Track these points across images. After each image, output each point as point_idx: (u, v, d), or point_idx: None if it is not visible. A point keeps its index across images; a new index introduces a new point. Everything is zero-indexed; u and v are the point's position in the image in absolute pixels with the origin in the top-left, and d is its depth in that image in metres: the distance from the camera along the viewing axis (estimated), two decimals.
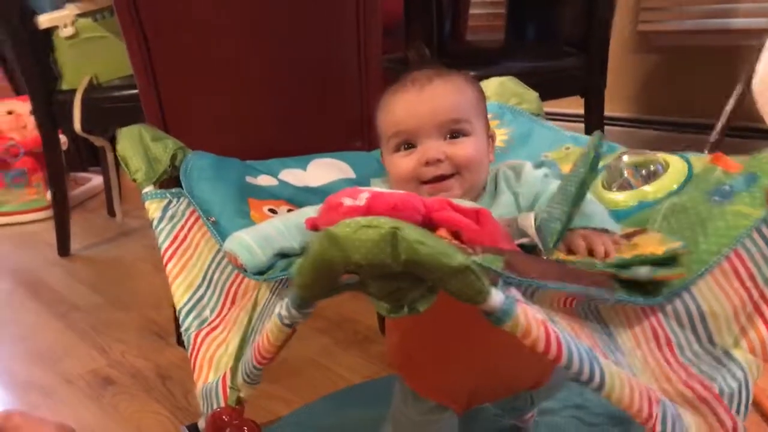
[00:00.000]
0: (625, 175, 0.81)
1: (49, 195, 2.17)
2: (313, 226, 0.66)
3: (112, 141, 1.93)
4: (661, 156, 0.82)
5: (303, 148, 0.98)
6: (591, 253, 0.63)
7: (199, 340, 0.75)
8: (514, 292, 0.50)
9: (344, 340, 1.42)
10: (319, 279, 0.47)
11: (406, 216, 0.56)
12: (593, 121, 1.88)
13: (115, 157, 2.01)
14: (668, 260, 0.61)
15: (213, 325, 0.76)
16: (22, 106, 2.54)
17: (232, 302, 0.77)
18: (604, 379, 0.50)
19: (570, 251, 0.64)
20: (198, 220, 0.81)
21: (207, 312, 0.77)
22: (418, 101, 0.75)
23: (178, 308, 0.77)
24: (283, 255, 0.68)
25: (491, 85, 1.07)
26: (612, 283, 0.58)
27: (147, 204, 0.84)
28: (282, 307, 0.55)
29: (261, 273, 0.66)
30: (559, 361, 0.48)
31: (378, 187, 0.71)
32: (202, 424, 0.76)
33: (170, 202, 0.84)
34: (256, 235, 0.68)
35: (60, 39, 1.88)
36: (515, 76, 1.11)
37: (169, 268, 0.80)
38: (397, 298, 0.48)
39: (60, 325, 1.62)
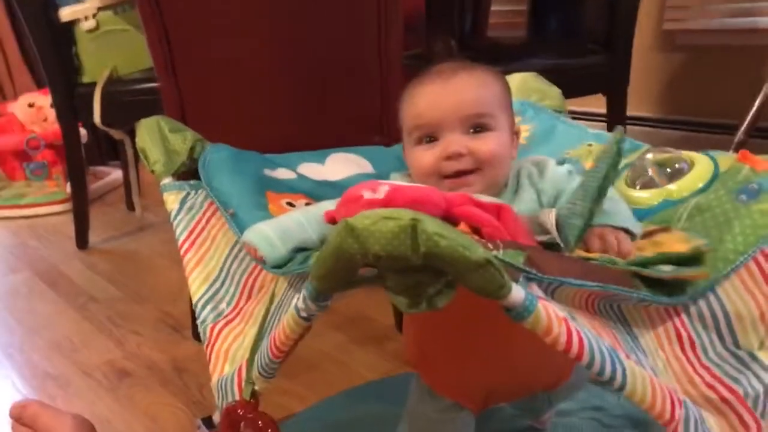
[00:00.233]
0: (650, 173, 0.79)
1: (68, 188, 2.19)
2: (332, 219, 0.65)
3: (132, 134, 1.94)
4: (686, 154, 0.80)
5: (321, 143, 0.97)
6: (606, 251, 0.62)
7: (215, 332, 0.74)
8: (536, 289, 0.49)
9: (360, 337, 1.42)
10: (337, 271, 0.46)
11: (426, 210, 0.55)
12: (616, 120, 1.86)
13: (135, 151, 2.03)
14: (692, 259, 0.60)
15: (229, 317, 0.75)
16: (44, 99, 2.57)
17: (249, 295, 0.77)
18: (626, 378, 0.49)
19: (587, 249, 0.63)
20: (216, 213, 0.81)
21: (223, 305, 0.77)
22: (442, 94, 0.74)
23: (194, 300, 0.77)
24: (302, 248, 0.67)
25: (513, 81, 1.06)
26: (635, 281, 0.56)
27: (165, 196, 0.84)
28: (299, 300, 0.55)
29: (279, 266, 0.65)
30: (581, 359, 0.47)
31: (398, 181, 0.71)
32: (217, 417, 0.76)
33: (188, 194, 0.84)
34: (276, 228, 0.67)
35: (81, 32, 1.89)
36: (538, 73, 1.10)
37: (186, 259, 0.79)
38: (416, 292, 0.47)
39: (77, 317, 1.63)
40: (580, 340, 0.47)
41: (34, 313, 1.68)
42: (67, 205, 2.38)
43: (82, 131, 2.18)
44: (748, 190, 0.66)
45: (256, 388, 0.64)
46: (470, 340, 0.71)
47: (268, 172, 0.87)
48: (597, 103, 1.91)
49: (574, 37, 2.02)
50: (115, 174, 2.78)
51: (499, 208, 0.61)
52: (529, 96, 1.05)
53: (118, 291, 1.77)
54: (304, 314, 0.55)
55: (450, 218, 0.59)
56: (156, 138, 0.86)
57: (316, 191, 0.86)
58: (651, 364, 0.56)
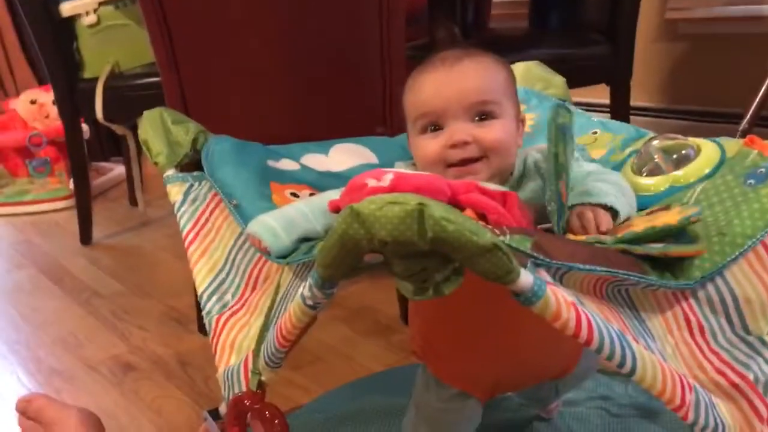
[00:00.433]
0: (656, 159, 0.79)
1: (71, 184, 2.19)
2: (336, 208, 0.65)
3: (134, 130, 1.94)
4: (693, 140, 0.80)
5: (324, 134, 0.97)
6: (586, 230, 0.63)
7: (220, 323, 0.74)
8: (544, 274, 0.49)
9: (365, 329, 1.41)
10: (342, 257, 0.46)
11: (431, 197, 0.55)
12: (619, 110, 1.85)
13: (137, 146, 2.03)
14: (685, 235, 0.59)
15: (234, 308, 0.75)
16: (45, 96, 2.57)
17: (254, 286, 0.76)
18: (636, 363, 0.48)
19: (572, 232, 0.64)
20: (220, 204, 0.81)
21: (228, 296, 0.76)
22: (446, 81, 0.73)
23: (199, 292, 0.77)
24: (306, 239, 0.67)
25: (517, 70, 1.05)
26: (643, 266, 0.56)
27: (168, 187, 0.83)
28: (305, 288, 0.54)
29: (284, 257, 0.65)
30: (590, 344, 0.47)
31: (402, 170, 0.70)
32: (223, 408, 0.75)
33: (192, 185, 0.83)
34: (280, 219, 0.67)
35: (82, 27, 1.88)
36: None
37: (190, 251, 0.79)
38: (423, 279, 0.46)
39: (82, 312, 1.63)
40: (590, 324, 0.46)
41: (39, 309, 1.68)
42: (70, 202, 2.38)
43: (84, 127, 2.18)
44: (755, 175, 0.66)
45: (263, 378, 0.64)
46: (477, 329, 0.71)
47: (271, 163, 0.87)
48: (600, 94, 1.90)
49: (577, 28, 2.01)
50: (118, 169, 2.78)
51: (504, 195, 0.60)
52: (533, 84, 1.05)
53: (122, 286, 1.77)
54: (310, 302, 0.55)
55: (455, 205, 0.58)
56: (159, 130, 0.85)
57: (319, 182, 0.85)
58: (660, 349, 0.56)
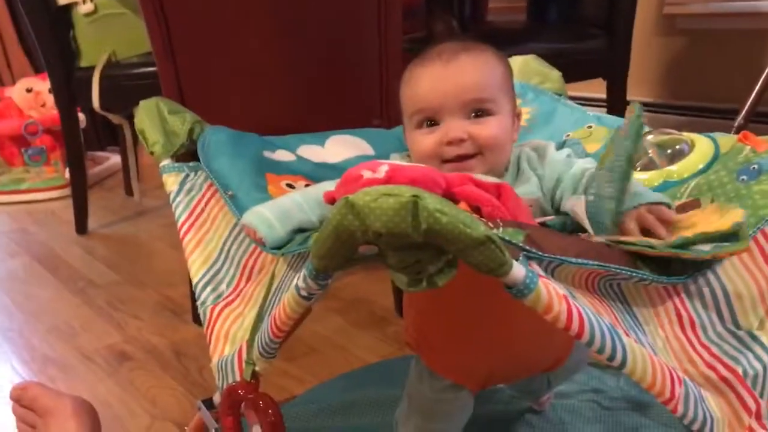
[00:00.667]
0: (650, 154, 0.79)
1: (67, 173, 2.18)
2: (331, 199, 0.65)
3: (130, 119, 1.94)
4: (687, 135, 0.80)
5: (321, 126, 0.97)
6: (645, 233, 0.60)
7: (215, 314, 0.74)
8: (536, 268, 0.49)
9: (360, 320, 1.42)
10: (337, 248, 0.46)
11: (426, 189, 0.55)
12: (615, 105, 1.86)
13: (134, 135, 2.03)
14: (733, 235, 0.58)
15: (229, 299, 0.75)
16: (42, 84, 2.56)
17: (249, 277, 0.76)
18: (626, 356, 0.49)
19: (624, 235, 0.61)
20: (215, 194, 0.81)
21: (223, 286, 0.77)
22: (442, 77, 0.73)
23: (194, 282, 0.77)
24: (301, 230, 0.67)
25: (515, 64, 1.05)
26: (635, 261, 0.56)
27: (164, 177, 0.83)
28: (299, 279, 0.54)
29: (279, 248, 0.65)
30: (581, 337, 0.47)
31: (398, 162, 0.70)
32: (217, 398, 0.76)
33: (188, 175, 0.83)
34: (276, 210, 0.67)
35: (79, 15, 1.88)
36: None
37: (185, 241, 0.79)
38: (417, 270, 0.47)
39: (77, 301, 1.63)
40: (581, 317, 0.47)
41: (34, 298, 1.68)
42: (66, 191, 2.38)
43: (81, 116, 2.18)
44: (748, 171, 0.66)
45: (257, 368, 0.64)
46: (470, 321, 0.71)
47: (267, 154, 0.87)
48: (597, 88, 1.91)
49: (575, 22, 2.01)
50: (114, 159, 2.78)
51: (499, 188, 0.60)
52: (530, 78, 1.05)
53: (117, 275, 1.77)
54: (304, 293, 0.55)
55: (450, 198, 0.58)
56: (155, 119, 0.85)
57: (315, 173, 0.86)
58: (650, 343, 0.56)
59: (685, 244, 0.56)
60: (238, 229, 0.77)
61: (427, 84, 0.74)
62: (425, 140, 0.74)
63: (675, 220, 0.61)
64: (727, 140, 0.75)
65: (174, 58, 1.16)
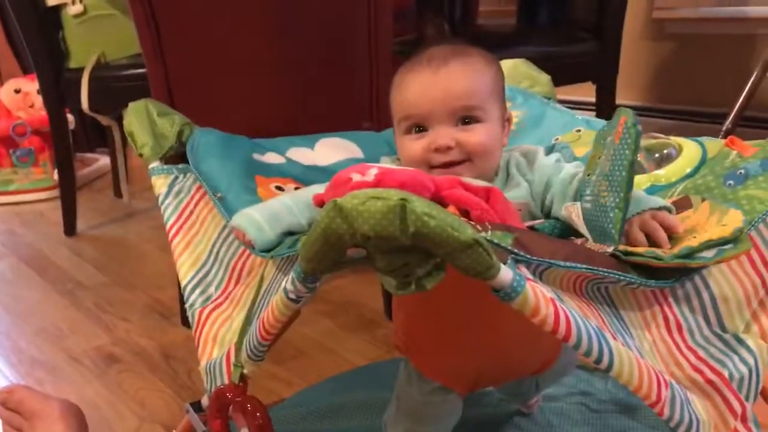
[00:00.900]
0: (638, 158, 0.80)
1: (56, 174, 2.17)
2: (321, 202, 0.65)
3: (120, 121, 1.93)
4: (675, 140, 0.81)
5: (311, 128, 0.97)
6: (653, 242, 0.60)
7: (203, 316, 0.74)
8: (524, 271, 0.50)
9: (349, 323, 1.42)
10: (325, 251, 0.46)
11: (415, 193, 0.55)
12: (604, 108, 1.87)
13: (123, 137, 2.02)
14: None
15: (218, 301, 0.75)
16: (30, 85, 2.54)
17: (238, 279, 0.76)
18: (613, 359, 0.49)
19: (631, 245, 0.60)
20: (204, 196, 0.81)
21: (212, 289, 0.77)
22: (431, 84, 0.73)
23: (183, 284, 0.77)
24: (290, 233, 0.67)
25: (504, 67, 1.04)
26: (623, 264, 0.57)
27: (153, 179, 0.83)
28: (288, 281, 0.54)
29: (268, 250, 0.65)
30: (568, 340, 0.47)
31: (387, 165, 0.71)
32: (205, 401, 0.75)
33: (177, 177, 0.83)
34: (265, 212, 0.67)
35: (68, 16, 1.87)
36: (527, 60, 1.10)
37: (174, 243, 0.79)
38: (405, 273, 0.47)
39: (65, 303, 1.62)
40: (568, 320, 0.47)
41: (21, 300, 1.67)
42: (54, 192, 2.37)
43: (70, 117, 2.16)
44: (735, 176, 0.67)
45: (245, 371, 0.64)
46: (459, 324, 0.72)
47: (257, 156, 0.87)
48: (586, 92, 1.92)
49: (564, 25, 2.02)
50: (103, 160, 2.76)
51: (488, 191, 0.61)
52: (519, 82, 1.05)
53: (105, 277, 1.76)
54: (292, 296, 0.55)
55: (439, 201, 0.58)
56: (144, 121, 0.85)
57: (305, 176, 0.86)
58: (637, 346, 0.56)
59: (691, 254, 0.55)
60: (227, 231, 0.77)
61: (416, 90, 0.74)
62: (413, 146, 0.74)
63: (677, 224, 0.61)
64: (714, 145, 0.76)
65: (163, 60, 1.16)
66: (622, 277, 0.55)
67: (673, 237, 0.60)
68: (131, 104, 0.87)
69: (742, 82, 1.79)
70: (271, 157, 0.88)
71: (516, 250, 0.49)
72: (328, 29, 1.18)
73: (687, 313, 0.60)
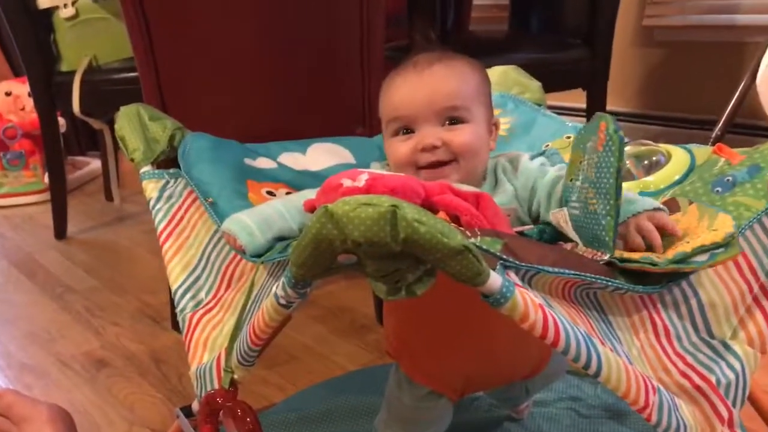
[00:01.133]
0: (627, 165, 0.80)
1: (46, 178, 2.16)
2: (312, 207, 0.66)
3: (111, 124, 1.92)
4: (664, 147, 0.81)
5: (303, 134, 0.97)
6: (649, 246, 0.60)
7: (194, 321, 0.74)
8: (513, 277, 0.50)
9: (340, 328, 1.42)
10: (316, 257, 0.46)
11: (405, 198, 0.56)
12: (594, 115, 1.87)
13: (114, 141, 2.01)
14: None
15: (208, 306, 0.75)
16: (21, 88, 2.53)
17: (228, 284, 0.76)
18: (601, 365, 0.50)
19: (628, 248, 0.61)
20: (195, 201, 0.81)
21: (203, 293, 0.77)
22: (416, 86, 0.74)
23: (173, 289, 0.77)
24: (282, 238, 0.67)
25: (494, 74, 1.06)
26: (611, 270, 0.57)
27: (144, 184, 0.83)
28: (278, 287, 0.55)
29: (259, 255, 0.65)
30: (557, 345, 0.48)
31: (378, 171, 0.71)
32: (196, 406, 0.75)
33: (168, 182, 0.83)
34: (256, 217, 0.67)
35: (60, 19, 1.86)
36: (518, 67, 1.10)
37: (165, 248, 0.79)
38: (395, 279, 0.47)
39: (55, 307, 1.61)
40: (556, 326, 0.47)
41: (11, 304, 1.66)
42: (45, 195, 2.35)
43: (61, 120, 2.15)
44: (723, 183, 0.67)
45: (235, 376, 0.64)
46: (448, 330, 0.72)
47: (248, 161, 0.87)
48: (577, 98, 1.93)
49: (555, 32, 2.04)
50: (94, 164, 2.75)
51: (477, 197, 0.61)
52: (509, 89, 1.06)
53: (96, 281, 1.75)
54: (283, 301, 0.55)
55: (429, 207, 0.59)
56: (135, 126, 0.85)
57: (296, 181, 0.86)
58: (626, 352, 0.57)
59: (685, 259, 0.56)
60: (218, 236, 0.77)
61: (402, 93, 0.75)
62: (401, 147, 0.75)
63: (674, 225, 0.61)
64: (702, 152, 0.77)
65: (155, 64, 1.16)
66: (610, 283, 0.55)
67: (665, 239, 0.60)
68: (123, 108, 0.87)
69: (732, 89, 1.80)
70: (263, 162, 0.88)
71: (505, 256, 0.50)
72: (320, 34, 1.18)
73: (675, 319, 0.61)
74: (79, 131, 2.86)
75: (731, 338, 0.61)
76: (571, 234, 0.62)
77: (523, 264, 0.51)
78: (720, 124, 1.78)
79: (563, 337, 0.48)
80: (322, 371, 1.24)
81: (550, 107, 1.06)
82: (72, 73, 1.84)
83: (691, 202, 0.66)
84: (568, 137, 0.92)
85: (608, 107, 1.93)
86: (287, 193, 0.81)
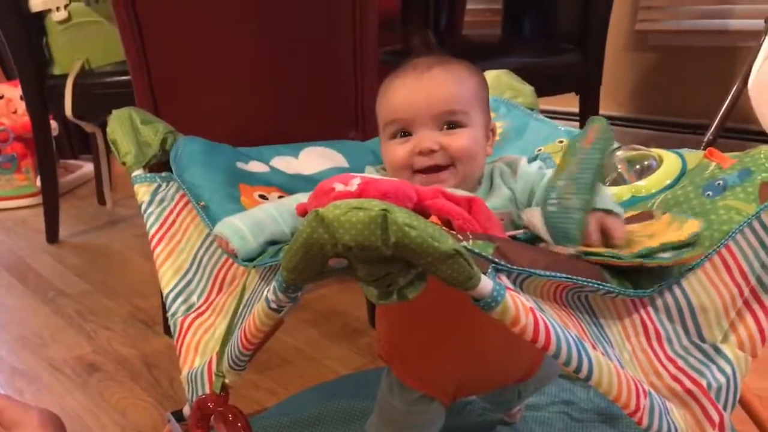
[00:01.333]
0: (619, 169, 0.81)
1: (38, 181, 2.15)
2: (304, 211, 0.65)
3: (103, 127, 1.92)
4: (655, 151, 0.82)
5: (296, 137, 0.97)
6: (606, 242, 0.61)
7: (185, 325, 0.74)
8: (504, 280, 0.50)
9: (333, 332, 1.42)
10: (307, 261, 0.46)
11: (398, 203, 0.56)
12: (588, 119, 1.88)
13: (106, 144, 2.01)
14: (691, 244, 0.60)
15: (200, 310, 0.75)
16: (13, 91, 2.52)
17: (220, 288, 0.76)
18: (592, 369, 0.50)
19: (586, 240, 0.62)
20: (187, 205, 0.81)
21: (194, 297, 0.76)
22: (415, 90, 0.74)
23: (165, 293, 0.77)
24: (274, 242, 0.67)
25: (487, 78, 1.06)
26: (602, 273, 0.57)
27: (136, 188, 0.83)
28: (270, 291, 0.54)
29: (251, 260, 0.65)
30: (548, 349, 0.48)
31: (371, 174, 0.71)
32: (187, 411, 0.75)
33: (160, 186, 0.83)
34: (248, 221, 0.67)
35: (52, 23, 1.86)
36: (511, 71, 1.10)
37: (156, 252, 0.79)
38: (387, 283, 0.47)
39: (47, 311, 1.60)
40: (547, 330, 0.47)
41: (2, 308, 1.65)
42: (37, 199, 2.35)
43: (53, 124, 2.15)
44: (714, 187, 0.68)
45: (227, 381, 0.64)
46: (440, 334, 0.72)
47: (241, 165, 0.87)
48: (570, 102, 1.93)
49: (548, 37, 2.04)
50: (87, 167, 2.74)
51: (470, 201, 0.61)
52: (502, 93, 1.06)
53: (88, 285, 1.75)
54: (274, 305, 0.55)
55: (421, 211, 0.59)
56: (127, 129, 0.85)
57: (289, 184, 0.86)
58: (617, 356, 0.57)
59: (650, 254, 0.57)
60: (210, 240, 0.77)
61: (400, 95, 0.75)
62: (398, 150, 0.75)
63: (622, 232, 0.62)
64: (694, 156, 0.77)
65: (148, 68, 1.16)
66: (601, 286, 0.55)
67: (633, 240, 0.61)
68: (115, 112, 0.87)
69: (724, 93, 1.81)
70: (255, 166, 0.88)
71: (496, 260, 0.50)
72: (313, 37, 1.18)
73: (666, 322, 0.61)
74: (71, 134, 2.85)
75: (722, 342, 0.62)
76: (542, 232, 0.63)
77: (515, 267, 0.51)
78: (712, 129, 1.79)
79: (554, 340, 0.48)
80: (314, 375, 1.24)
81: (543, 111, 1.06)
82: (64, 77, 1.83)
83: (665, 212, 0.66)
84: (561, 142, 0.92)
85: (601, 111, 1.94)
86: (280, 197, 0.81)
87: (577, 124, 1.90)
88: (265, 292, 0.56)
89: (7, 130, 2.50)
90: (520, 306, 0.47)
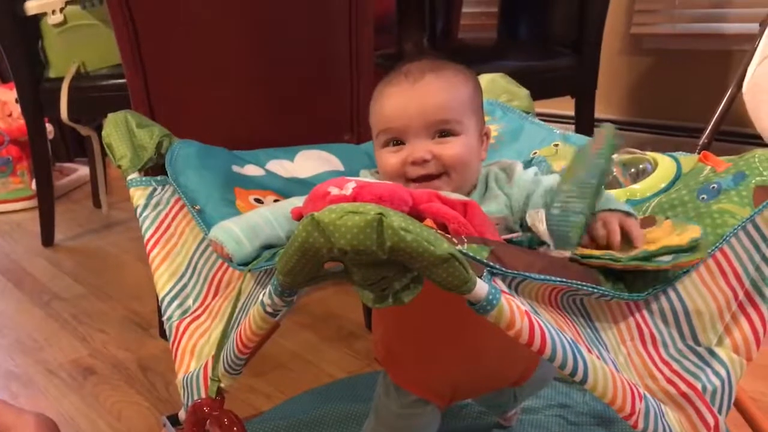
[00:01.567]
0: (614, 173, 0.81)
1: (34, 184, 2.15)
2: (299, 215, 0.65)
3: (99, 131, 1.91)
4: (650, 155, 0.82)
5: (291, 141, 0.97)
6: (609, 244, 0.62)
7: (181, 329, 0.74)
8: (499, 284, 0.50)
9: (329, 335, 1.41)
10: (302, 265, 0.46)
11: (393, 206, 0.56)
12: (583, 122, 1.88)
13: (102, 147, 2.00)
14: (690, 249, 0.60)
15: (196, 314, 0.75)
16: (8, 94, 2.52)
17: (216, 292, 0.76)
18: (587, 372, 0.50)
19: (593, 240, 0.63)
20: (183, 209, 0.81)
21: (190, 301, 0.76)
22: (407, 98, 0.74)
23: (160, 297, 0.77)
24: (269, 246, 0.67)
25: (482, 82, 1.05)
26: (597, 277, 0.57)
27: (131, 191, 0.83)
28: (265, 295, 0.54)
29: (246, 264, 0.65)
30: (543, 352, 0.48)
31: (366, 178, 0.71)
32: (182, 415, 0.75)
33: (155, 189, 0.83)
34: (244, 226, 0.67)
35: (48, 26, 1.86)
36: (507, 74, 1.11)
37: (152, 256, 0.79)
38: (382, 287, 0.47)
39: (42, 315, 1.60)
40: (543, 333, 0.48)
41: None
42: (32, 202, 2.34)
43: (49, 127, 2.15)
44: (708, 190, 0.68)
45: (222, 385, 0.64)
46: (436, 337, 0.72)
47: (236, 168, 0.87)
48: (565, 106, 1.94)
49: (544, 40, 2.04)
50: (82, 170, 2.74)
51: (465, 205, 0.61)
52: (498, 96, 1.06)
53: (83, 289, 1.74)
54: (270, 309, 0.55)
55: (417, 214, 0.59)
56: (123, 133, 0.85)
57: (285, 188, 0.86)
58: (612, 359, 0.57)
59: (648, 257, 0.57)
60: (206, 244, 0.77)
61: (392, 104, 0.75)
62: (391, 159, 0.75)
63: (639, 234, 0.62)
64: (688, 160, 0.77)
65: (143, 71, 1.15)
66: (595, 290, 0.55)
67: (626, 244, 0.62)
68: (110, 115, 0.87)
69: (719, 97, 1.81)
70: (251, 170, 0.88)
71: (491, 263, 0.50)
72: (309, 41, 1.18)
73: (661, 326, 0.61)
74: (66, 138, 2.84)
75: (717, 345, 0.62)
76: (544, 236, 0.63)
77: (510, 271, 0.51)
78: (707, 132, 1.79)
79: (549, 344, 0.48)
80: (310, 379, 1.24)
81: (539, 115, 1.06)
82: (60, 80, 1.83)
83: (667, 218, 0.67)
84: (556, 145, 0.92)
85: (597, 114, 1.94)
86: (275, 201, 0.81)
87: (573, 127, 1.90)
88: (261, 296, 0.56)
89: (2, 133, 2.50)
90: (515, 309, 0.47)
